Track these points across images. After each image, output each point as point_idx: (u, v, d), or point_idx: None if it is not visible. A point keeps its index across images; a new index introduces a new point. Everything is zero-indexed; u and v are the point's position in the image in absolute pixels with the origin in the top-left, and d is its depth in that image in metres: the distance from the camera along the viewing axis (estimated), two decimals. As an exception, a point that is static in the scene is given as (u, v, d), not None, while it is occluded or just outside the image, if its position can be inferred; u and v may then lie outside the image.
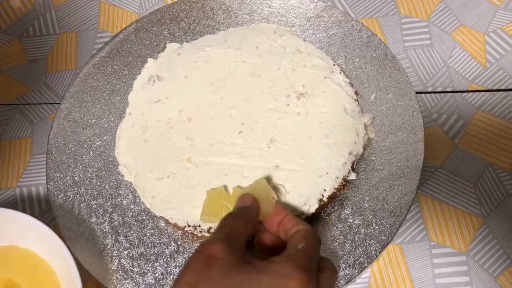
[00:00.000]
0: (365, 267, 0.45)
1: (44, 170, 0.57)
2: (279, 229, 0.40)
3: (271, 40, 0.56)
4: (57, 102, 0.63)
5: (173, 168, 0.49)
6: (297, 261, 0.33)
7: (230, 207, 0.45)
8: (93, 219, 0.50)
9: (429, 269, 0.48)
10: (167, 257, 0.48)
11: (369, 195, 0.48)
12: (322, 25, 0.58)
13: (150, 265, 0.48)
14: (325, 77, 0.53)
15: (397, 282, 0.48)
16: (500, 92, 0.56)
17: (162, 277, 0.47)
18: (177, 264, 0.47)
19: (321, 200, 0.47)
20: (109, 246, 0.49)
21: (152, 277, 0.47)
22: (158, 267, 0.48)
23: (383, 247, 0.46)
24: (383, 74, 0.54)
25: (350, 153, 0.48)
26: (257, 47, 0.56)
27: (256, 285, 0.32)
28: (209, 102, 0.53)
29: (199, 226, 0.47)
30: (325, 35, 0.58)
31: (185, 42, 0.59)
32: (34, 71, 0.67)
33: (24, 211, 0.56)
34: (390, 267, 0.49)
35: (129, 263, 0.48)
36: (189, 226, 0.47)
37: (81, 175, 0.52)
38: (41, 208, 0.56)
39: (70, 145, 0.54)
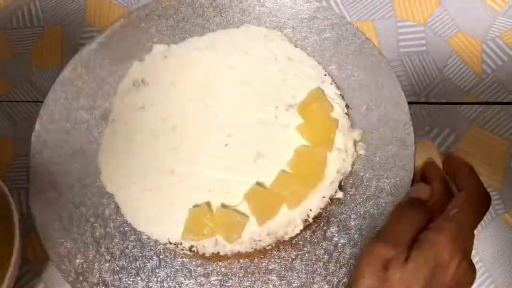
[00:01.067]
0: (348, 288, 0.44)
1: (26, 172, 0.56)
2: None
3: (261, 46, 0.54)
4: (41, 100, 0.61)
5: (156, 181, 0.48)
6: (447, 232, 0.35)
7: (212, 226, 0.44)
8: (74, 229, 0.49)
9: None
10: (149, 271, 0.47)
11: (356, 212, 0.47)
12: (315, 28, 0.56)
13: (131, 279, 0.47)
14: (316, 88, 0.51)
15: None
16: (495, 106, 0.55)
17: (143, 292, 0.46)
18: (159, 279, 0.47)
19: (306, 220, 0.46)
20: (90, 258, 0.48)
21: (133, 292, 0.46)
22: (139, 282, 0.47)
23: None
24: (376, 83, 0.52)
25: (337, 172, 0.47)
26: (246, 53, 0.54)
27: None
28: (194, 110, 0.51)
29: (181, 243, 0.46)
30: (317, 38, 0.56)
31: (172, 44, 0.57)
32: (17, 66, 0.65)
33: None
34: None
35: (110, 276, 0.47)
36: (170, 243, 0.46)
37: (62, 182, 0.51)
38: (23, 213, 0.55)
39: (52, 151, 0.53)
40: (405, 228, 0.37)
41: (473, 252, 0.48)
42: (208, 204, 0.46)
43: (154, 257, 0.48)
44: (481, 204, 0.38)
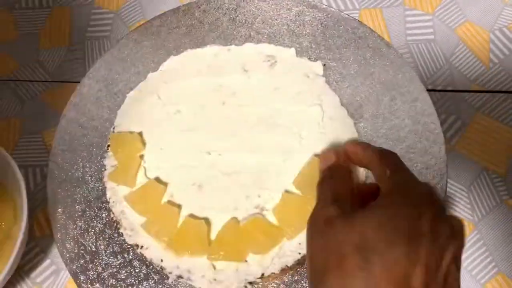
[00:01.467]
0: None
1: (34, 150, 0.57)
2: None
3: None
4: (48, 80, 0.62)
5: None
6: (399, 193, 0.33)
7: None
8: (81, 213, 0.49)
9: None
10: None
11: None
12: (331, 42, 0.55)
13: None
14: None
15: None
16: (501, 94, 0.55)
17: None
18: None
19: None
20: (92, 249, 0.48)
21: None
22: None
23: None
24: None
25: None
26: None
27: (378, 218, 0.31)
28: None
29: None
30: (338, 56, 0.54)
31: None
32: (26, 45, 0.65)
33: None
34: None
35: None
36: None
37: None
38: (29, 191, 0.55)
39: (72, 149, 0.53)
40: (330, 188, 0.37)
41: (477, 236, 0.49)
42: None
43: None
44: (392, 154, 0.38)
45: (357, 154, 0.40)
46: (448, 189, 0.51)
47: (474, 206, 0.50)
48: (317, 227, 0.34)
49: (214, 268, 0.45)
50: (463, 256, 0.48)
